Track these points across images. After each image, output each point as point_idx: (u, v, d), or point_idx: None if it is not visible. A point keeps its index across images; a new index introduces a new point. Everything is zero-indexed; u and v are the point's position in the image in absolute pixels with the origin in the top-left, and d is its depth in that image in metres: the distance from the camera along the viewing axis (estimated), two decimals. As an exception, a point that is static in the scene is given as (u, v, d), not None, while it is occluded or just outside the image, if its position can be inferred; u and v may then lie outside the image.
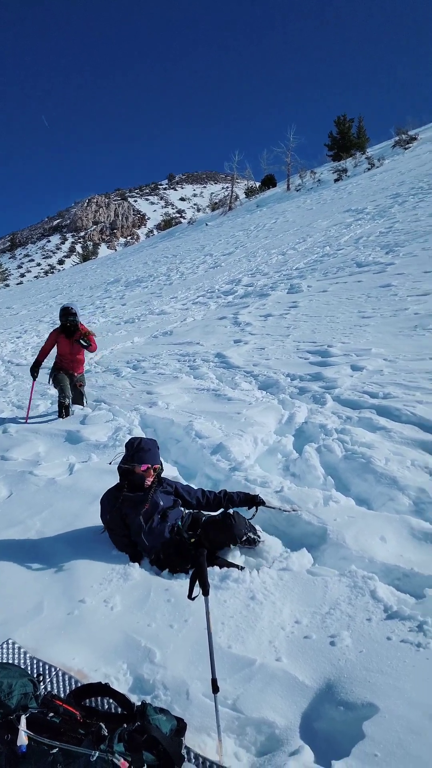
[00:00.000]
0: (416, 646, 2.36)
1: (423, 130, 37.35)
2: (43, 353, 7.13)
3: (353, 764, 1.88)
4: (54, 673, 2.46)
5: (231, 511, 3.45)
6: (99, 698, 2.24)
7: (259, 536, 3.44)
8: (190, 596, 2.31)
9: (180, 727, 2.05)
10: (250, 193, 46.87)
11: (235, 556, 3.37)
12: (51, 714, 2.01)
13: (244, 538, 3.31)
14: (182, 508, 3.65)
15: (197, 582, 2.24)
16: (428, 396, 5.19)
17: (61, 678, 2.43)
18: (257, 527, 3.56)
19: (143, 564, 3.36)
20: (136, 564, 3.33)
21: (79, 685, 2.35)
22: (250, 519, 3.54)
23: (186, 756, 1.99)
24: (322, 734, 2.09)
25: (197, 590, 2.25)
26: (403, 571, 2.95)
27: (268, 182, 47.83)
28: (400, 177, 23.41)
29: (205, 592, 2.22)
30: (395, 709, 2.04)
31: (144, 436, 4.53)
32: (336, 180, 32.74)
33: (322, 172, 38.51)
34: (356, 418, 5.03)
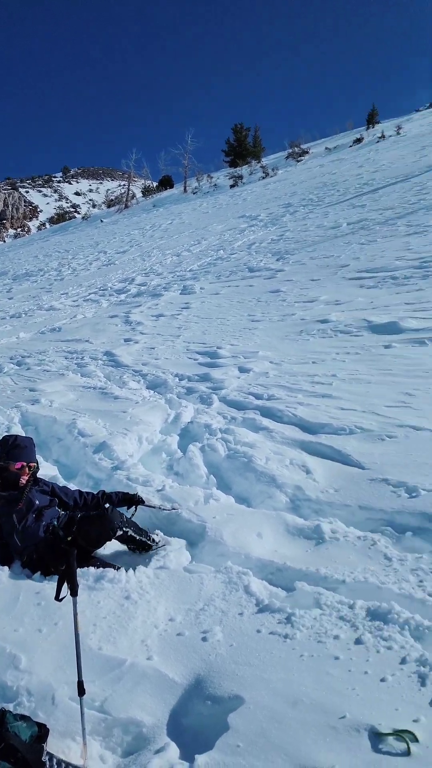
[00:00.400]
0: (284, 637, 2.43)
1: (314, 145, 39.03)
2: None
3: (216, 757, 1.90)
4: None
5: (107, 505, 3.40)
6: (-44, 710, 2.11)
7: (155, 541, 3.39)
8: (57, 597, 2.23)
9: (42, 733, 1.97)
10: (147, 192, 46.59)
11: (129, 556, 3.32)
12: None
13: (120, 532, 3.25)
14: (59, 509, 3.54)
15: (65, 583, 2.18)
16: (309, 398, 5.40)
17: None
18: (158, 532, 3.50)
19: (14, 567, 3.22)
20: (6, 567, 3.18)
21: None
22: (130, 518, 3.49)
23: (48, 762, 1.92)
24: (190, 729, 2.11)
25: (65, 591, 2.19)
26: (277, 566, 3.05)
27: (166, 183, 47.79)
28: (292, 188, 24.28)
29: (73, 593, 2.16)
30: (260, 700, 2.10)
31: (21, 434, 4.36)
32: (232, 186, 33.37)
33: (218, 177, 39.09)
34: (240, 419, 5.13)
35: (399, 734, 1.83)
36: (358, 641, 2.35)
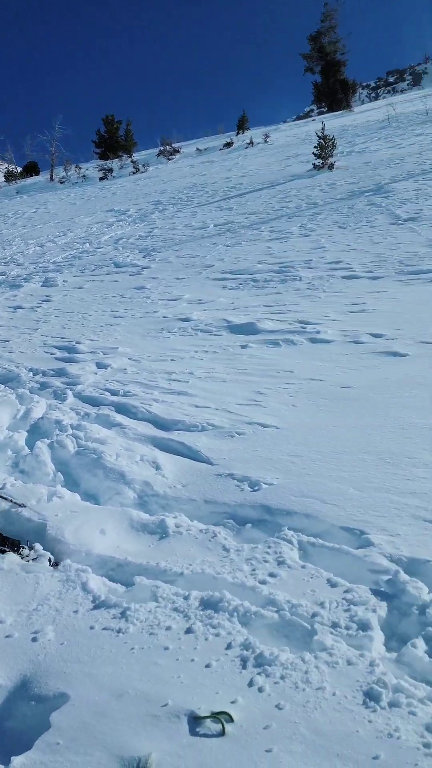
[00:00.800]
0: (117, 632, 2.45)
1: (186, 145, 39.41)
2: None
3: (33, 756, 1.87)
4: None
5: None
6: None
7: (23, 554, 3.12)
8: None
9: None
10: (10, 177, 44.20)
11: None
12: None
13: None
14: None
15: None
16: (165, 395, 5.46)
17: None
18: (36, 546, 3.20)
19: None
20: None
21: None
22: None
23: None
24: (11, 732, 2.05)
25: None
26: (117, 562, 3.05)
27: (31, 169, 45.73)
28: (162, 185, 24.37)
29: None
30: (86, 695, 2.09)
31: None
32: (101, 178, 32.77)
33: (87, 168, 38.18)
34: (94, 415, 5.07)
35: (216, 716, 1.92)
36: (188, 630, 2.43)
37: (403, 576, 2.63)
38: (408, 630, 2.39)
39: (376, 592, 2.60)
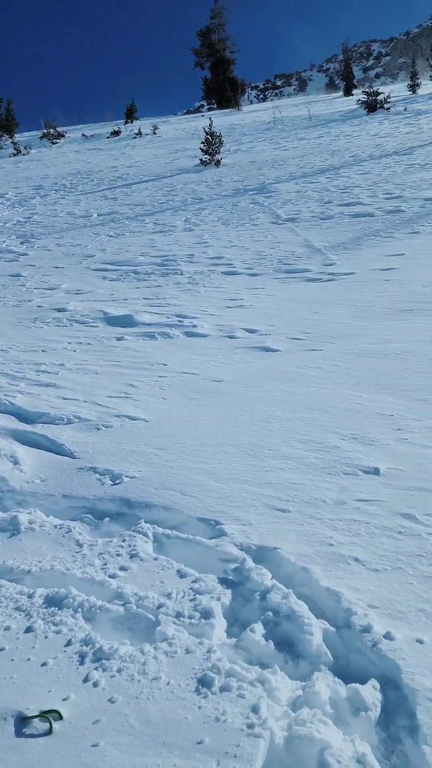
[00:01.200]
0: None
1: (71, 129, 38.25)
2: None
3: None
4: None
5: None
6: None
7: None
8: None
9: None
10: None
11: None
12: None
13: None
14: None
15: None
16: (32, 387, 5.28)
17: None
18: None
19: None
20: None
21: None
22: None
23: None
24: None
25: None
26: (-40, 562, 2.89)
27: None
28: (45, 170, 23.54)
29: None
30: None
31: None
32: (-20, 158, 31.09)
33: (-36, 147, 36.08)
34: None
35: (44, 715, 1.87)
36: (28, 629, 2.34)
37: (250, 563, 2.71)
38: (249, 616, 2.47)
39: (223, 581, 2.66)
